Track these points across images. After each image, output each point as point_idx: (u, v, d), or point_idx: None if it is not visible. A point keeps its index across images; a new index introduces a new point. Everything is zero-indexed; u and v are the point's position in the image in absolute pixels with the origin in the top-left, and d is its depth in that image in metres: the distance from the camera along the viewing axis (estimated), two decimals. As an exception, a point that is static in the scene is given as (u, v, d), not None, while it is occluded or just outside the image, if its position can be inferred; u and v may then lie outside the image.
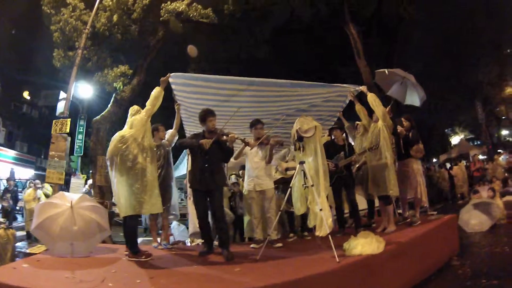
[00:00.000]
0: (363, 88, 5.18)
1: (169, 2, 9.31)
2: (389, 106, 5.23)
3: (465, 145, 20.51)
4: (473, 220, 7.05)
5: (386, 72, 5.18)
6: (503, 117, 26.39)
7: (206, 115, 4.20)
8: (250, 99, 5.04)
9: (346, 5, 12.71)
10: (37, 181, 10.57)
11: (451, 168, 15.24)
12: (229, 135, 4.16)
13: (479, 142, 25.13)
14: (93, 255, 4.04)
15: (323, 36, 14.66)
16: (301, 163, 4.08)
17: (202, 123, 4.25)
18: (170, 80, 4.44)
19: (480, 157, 19.11)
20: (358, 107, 5.30)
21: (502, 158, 16.13)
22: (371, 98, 4.95)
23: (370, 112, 5.26)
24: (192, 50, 4.05)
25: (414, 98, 5.55)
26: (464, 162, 16.27)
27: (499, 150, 20.83)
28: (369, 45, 13.41)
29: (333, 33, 14.25)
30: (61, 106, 8.26)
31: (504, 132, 28.21)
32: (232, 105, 4.82)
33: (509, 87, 23.19)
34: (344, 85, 5.33)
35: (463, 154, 18.49)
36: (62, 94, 8.41)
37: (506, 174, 12.84)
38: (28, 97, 22.81)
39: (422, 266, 4.28)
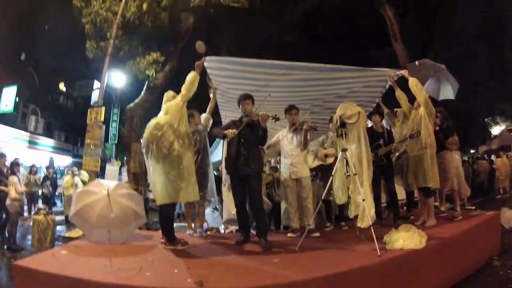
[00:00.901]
0: (404, 72, 4.84)
1: (200, -13, 9.19)
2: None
3: (507, 136, 19.23)
4: (516, 218, 6.60)
5: (417, 63, 4.97)
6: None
7: (240, 99, 4.16)
8: (288, 83, 4.88)
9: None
10: (75, 168, 11.02)
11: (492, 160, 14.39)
12: (260, 114, 4.02)
13: (523, 133, 23.51)
14: (130, 242, 4.06)
15: (356, 19, 14.12)
16: (344, 150, 3.91)
17: (239, 106, 4.21)
18: (206, 64, 4.32)
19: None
20: (399, 92, 5.03)
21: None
22: (413, 83, 4.65)
23: (411, 98, 4.98)
24: (200, 46, 3.95)
25: (448, 92, 5.48)
26: (506, 155, 15.27)
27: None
28: (406, 28, 12.73)
29: (366, 15, 13.69)
30: (95, 96, 8.55)
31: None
32: (271, 90, 4.67)
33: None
34: (384, 69, 5.06)
35: (504, 146, 17.35)
36: (96, 84, 8.69)
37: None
38: (64, 88, 23.67)
39: (462, 265, 4.06)
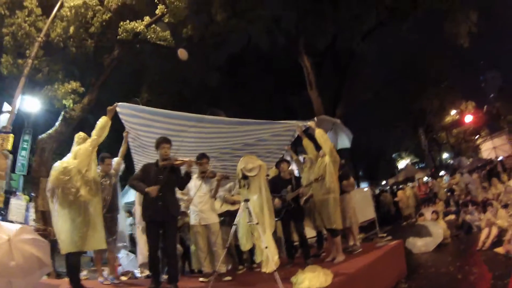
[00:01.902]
0: (311, 123, 5.26)
1: (128, 21, 9.11)
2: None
3: (411, 169, 21.94)
4: (419, 241, 7.51)
5: (315, 119, 5.51)
6: (444, 142, 28.84)
7: (160, 143, 4.15)
8: (198, 135, 5.06)
9: (302, 37, 13.28)
10: (-29, 201, 9.58)
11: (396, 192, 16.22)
12: (187, 160, 4.12)
13: (423, 165, 27.08)
14: (34, 294, 3.72)
15: (276, 66, 15.11)
16: (246, 200, 4.13)
17: (156, 150, 4.19)
18: (118, 109, 4.35)
19: (425, 179, 20.57)
20: (306, 142, 5.40)
21: (444, 180, 17.46)
22: (319, 133, 5.07)
23: (318, 146, 5.41)
24: (182, 53, 3.97)
25: (344, 142, 6.23)
26: (410, 185, 17.33)
27: (441, 173, 22.60)
28: (321, 77, 14.01)
29: (286, 63, 14.74)
30: (4, 119, 7.71)
31: (445, 155, 30.88)
32: (181, 139, 4.78)
33: (448, 116, 25.65)
34: (292, 121, 5.47)
35: (409, 178, 19.76)
36: (6, 106, 7.87)
37: (448, 194, 13.88)
38: None
39: None
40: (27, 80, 7.89)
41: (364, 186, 11.76)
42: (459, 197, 12.56)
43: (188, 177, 4.21)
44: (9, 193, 10.50)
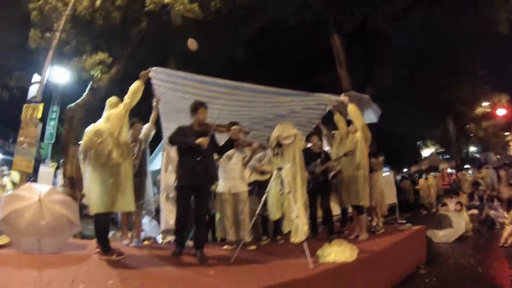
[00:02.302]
0: (343, 98, 5.14)
1: (155, -8, 9.00)
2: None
3: (435, 159, 21.35)
4: (441, 231, 7.38)
5: (342, 96, 5.35)
6: (472, 134, 27.77)
7: (198, 106, 4.09)
8: (231, 102, 4.96)
9: (331, 16, 12.95)
10: (4, 167, 9.99)
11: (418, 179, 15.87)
12: (232, 128, 4.14)
13: (448, 156, 26.27)
14: (62, 252, 3.85)
15: (305, 43, 14.74)
16: (279, 169, 4.07)
17: (193, 113, 4.12)
18: (151, 74, 4.28)
19: (449, 170, 20.00)
20: (337, 117, 5.31)
21: (469, 173, 16.97)
22: (352, 109, 4.99)
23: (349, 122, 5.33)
24: (192, 43, 3.92)
25: (370, 117, 6.15)
26: (433, 174, 16.91)
27: (466, 166, 21.90)
28: (350, 56, 13.70)
29: (314, 41, 14.41)
30: (33, 90, 7.89)
31: (472, 148, 29.74)
32: (213, 106, 4.67)
33: (479, 108, 24.52)
34: (325, 94, 5.37)
35: (433, 167, 19.26)
36: (36, 77, 8.04)
37: (473, 188, 13.50)
38: None
39: (392, 274, 4.43)
40: (56, 52, 7.98)
41: (386, 170, 11.59)
42: (484, 192, 12.25)
43: (230, 145, 4.21)
44: (38, 161, 10.92)
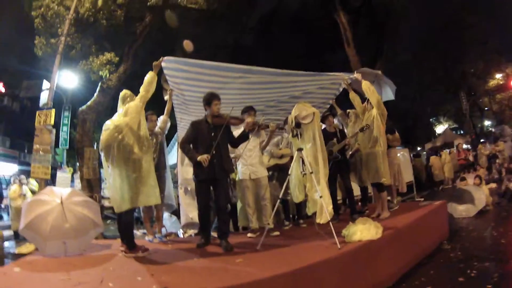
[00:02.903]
0: (357, 75, 5.07)
1: (158, -14, 8.92)
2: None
3: (450, 135, 21.00)
4: (461, 206, 7.28)
5: (355, 73, 5.24)
6: (486, 108, 27.14)
7: (211, 98, 4.03)
8: (244, 86, 4.92)
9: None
10: (22, 176, 10.12)
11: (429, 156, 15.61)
12: (247, 121, 4.07)
13: (462, 132, 25.78)
14: (88, 253, 3.86)
15: (311, 24, 14.58)
16: (299, 150, 4.02)
17: (206, 106, 4.08)
18: (163, 64, 4.24)
19: (464, 146, 19.64)
20: (352, 95, 5.21)
21: (485, 147, 16.60)
22: (366, 85, 4.89)
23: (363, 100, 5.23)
24: (188, 45, 3.88)
25: (388, 94, 6.01)
26: (447, 151, 16.62)
27: (482, 140, 21.45)
28: (358, 34, 13.42)
29: (321, 21, 14.22)
30: (44, 97, 7.98)
31: (487, 122, 29.11)
32: (226, 92, 4.68)
33: (492, 80, 23.85)
34: (338, 73, 5.27)
35: (448, 143, 18.93)
36: (45, 84, 8.12)
37: (490, 162, 13.24)
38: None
39: (416, 250, 4.41)
40: (62, 57, 8.01)
41: (399, 149, 11.45)
42: (502, 165, 11.95)
43: (246, 137, 4.16)
44: (54, 168, 11.08)
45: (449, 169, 13.71)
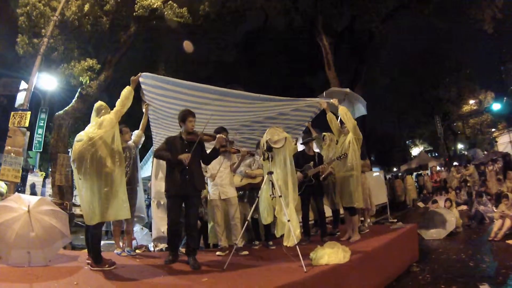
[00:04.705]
0: (334, 101, 5.23)
1: (144, -3, 8.96)
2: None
3: (424, 157, 21.70)
4: (432, 228, 7.47)
5: (324, 94, 5.43)
6: (459, 132, 28.27)
7: (186, 116, 4.08)
8: (221, 108, 4.99)
9: (320, 17, 13.05)
10: (-11, 178, 9.75)
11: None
12: (218, 136, 4.11)
13: (437, 154, 26.69)
14: (53, 264, 3.77)
15: (294, 45, 14.96)
16: (270, 173, 4.08)
17: (181, 123, 4.13)
18: (140, 80, 4.26)
19: (438, 168, 20.32)
20: (330, 116, 5.34)
21: (458, 170, 17.21)
22: (343, 111, 5.03)
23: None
24: (188, 45, 3.95)
25: (360, 110, 6.24)
26: (412, 176, 17.18)
27: (455, 163, 22.28)
28: (339, 58, 13.87)
29: (303, 43, 14.61)
30: (21, 98, 7.75)
31: (460, 145, 30.29)
32: (203, 112, 4.71)
33: (466, 105, 25.02)
34: (315, 99, 5.41)
35: (422, 165, 19.54)
36: (23, 84, 7.90)
37: (461, 185, 13.74)
38: None
39: (385, 273, 4.48)
40: (43, 58, 7.90)
41: (376, 170, 11.78)
42: (472, 188, 12.43)
43: (216, 153, 4.19)
44: (26, 170, 10.71)
45: (411, 192, 14.48)
